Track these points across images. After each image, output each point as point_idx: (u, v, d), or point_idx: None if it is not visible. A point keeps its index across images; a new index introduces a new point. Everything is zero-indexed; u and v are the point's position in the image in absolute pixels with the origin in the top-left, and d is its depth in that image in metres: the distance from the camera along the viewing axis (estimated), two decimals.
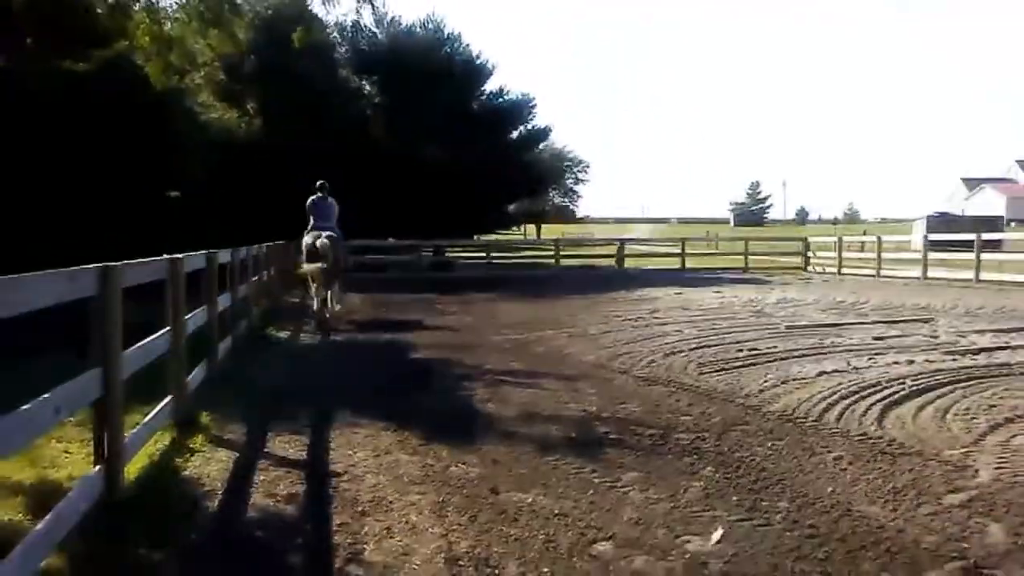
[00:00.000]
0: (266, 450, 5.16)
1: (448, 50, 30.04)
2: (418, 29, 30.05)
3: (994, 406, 5.98)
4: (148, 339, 5.01)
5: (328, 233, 11.90)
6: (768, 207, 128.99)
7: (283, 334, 11.43)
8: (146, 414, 4.90)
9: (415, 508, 4.01)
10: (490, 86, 31.41)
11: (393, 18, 29.49)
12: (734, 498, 4.10)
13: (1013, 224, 64.40)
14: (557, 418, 5.99)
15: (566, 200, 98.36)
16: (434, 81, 26.88)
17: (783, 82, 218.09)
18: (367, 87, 29.53)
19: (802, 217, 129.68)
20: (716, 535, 3.59)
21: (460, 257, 30.38)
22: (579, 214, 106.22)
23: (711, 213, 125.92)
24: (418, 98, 26.43)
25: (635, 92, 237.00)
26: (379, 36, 29.34)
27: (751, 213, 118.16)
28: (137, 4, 12.63)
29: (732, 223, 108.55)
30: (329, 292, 12.05)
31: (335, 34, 27.54)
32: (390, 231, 23.73)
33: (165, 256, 5.77)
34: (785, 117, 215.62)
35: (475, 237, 32.09)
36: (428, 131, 25.15)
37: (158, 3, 12.77)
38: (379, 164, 24.57)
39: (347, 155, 23.35)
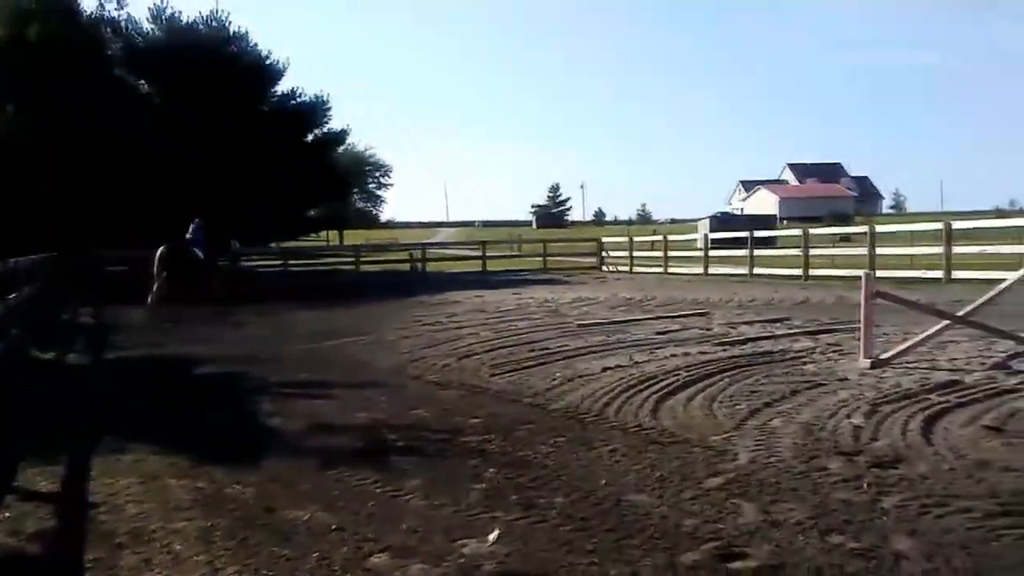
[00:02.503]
0: (14, 484, 4.68)
1: (235, 49, 28.83)
2: (201, 27, 28.62)
3: (755, 392, 6.45)
4: None
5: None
6: (568, 209, 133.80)
7: (49, 355, 10.50)
8: None
9: (180, 536, 3.77)
10: (283, 87, 30.50)
11: (172, 14, 28.00)
12: (514, 497, 4.17)
13: (785, 222, 70.38)
14: (344, 428, 5.87)
15: (369, 204, 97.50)
16: (220, 82, 25.68)
17: (581, 86, 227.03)
18: (145, 87, 27.79)
19: (599, 218, 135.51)
20: (492, 536, 3.63)
21: (257, 266, 29.26)
22: (383, 218, 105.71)
23: (514, 215, 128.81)
24: (203, 100, 25.13)
25: (439, 93, 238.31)
26: (156, 33, 27.70)
27: (552, 215, 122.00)
28: None
29: (534, 225, 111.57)
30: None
31: (107, 30, 25.75)
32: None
33: None
34: (583, 120, 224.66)
35: (273, 244, 31.06)
36: (216, 135, 23.99)
37: None
38: (163, 170, 23.18)
39: (125, 160, 21.89)
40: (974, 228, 24.23)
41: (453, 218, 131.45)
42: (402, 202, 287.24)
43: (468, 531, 3.73)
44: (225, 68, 26.70)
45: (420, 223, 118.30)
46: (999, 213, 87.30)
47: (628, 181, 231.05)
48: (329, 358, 9.43)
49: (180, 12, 28.42)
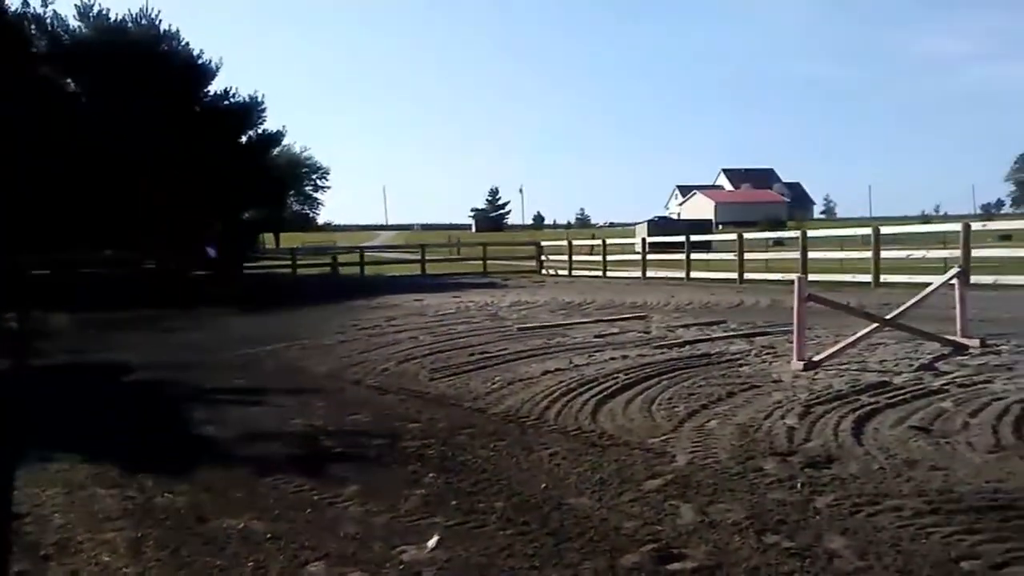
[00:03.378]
0: None
1: (165, 48, 28.16)
2: (130, 25, 27.88)
3: (693, 394, 6.52)
4: None
5: None
6: (507, 213, 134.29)
7: None
8: None
9: (108, 547, 3.65)
10: (216, 86, 29.89)
11: (100, 12, 27.22)
12: (453, 502, 4.13)
13: (721, 227, 71.75)
14: (281, 435, 5.76)
15: (306, 207, 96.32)
16: (150, 81, 25.02)
17: (520, 91, 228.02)
18: (72, 86, 26.95)
19: (539, 222, 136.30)
20: (431, 542, 3.59)
21: (186, 270, 28.58)
22: (320, 221, 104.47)
23: (454, 219, 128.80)
24: (132, 99, 24.48)
25: (378, 96, 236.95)
26: (83, 31, 26.90)
27: (491, 219, 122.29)
28: None
29: (474, 228, 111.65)
30: None
31: (32, 27, 24.92)
32: (107, 243, 21.88)
33: None
34: (523, 124, 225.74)
35: (207, 247, 30.38)
36: (145, 135, 23.39)
37: None
38: (90, 172, 22.50)
39: (50, 161, 21.19)
40: (901, 233, 25.03)
41: (392, 221, 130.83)
42: (340, 205, 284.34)
43: (407, 537, 3.69)
44: (155, 67, 26.03)
45: (359, 226, 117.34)
46: (925, 218, 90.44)
47: (567, 185, 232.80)
48: (265, 364, 9.26)
49: (108, 10, 27.70)
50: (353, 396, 7.16)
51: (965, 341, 8.26)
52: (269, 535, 3.76)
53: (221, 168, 25.81)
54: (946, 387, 6.34)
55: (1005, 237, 36.33)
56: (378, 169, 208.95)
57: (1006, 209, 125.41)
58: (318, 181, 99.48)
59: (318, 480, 4.58)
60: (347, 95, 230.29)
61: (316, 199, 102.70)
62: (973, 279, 11.75)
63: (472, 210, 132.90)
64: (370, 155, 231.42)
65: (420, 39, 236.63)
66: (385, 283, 24.03)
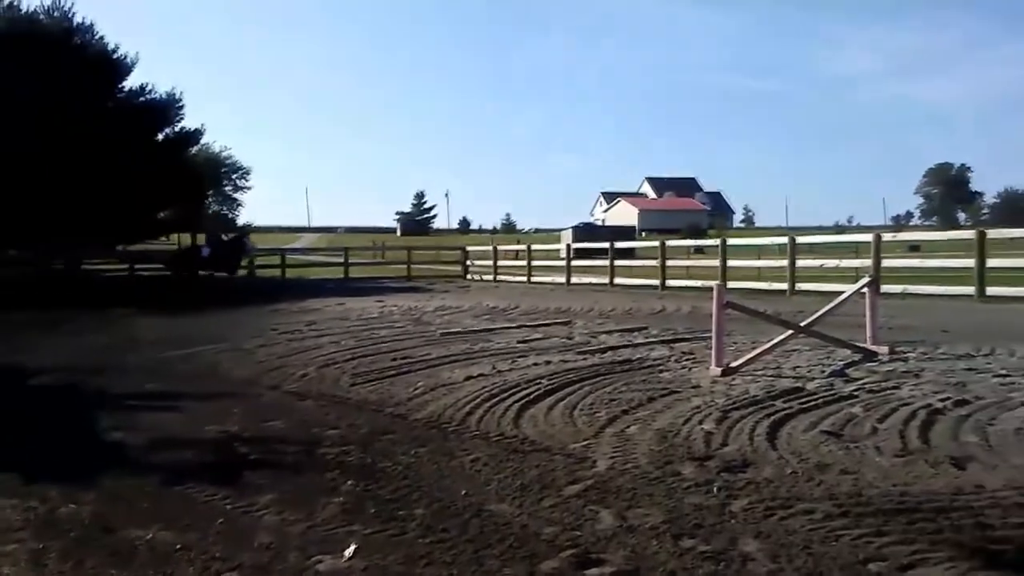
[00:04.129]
0: None
1: (79, 41, 27.16)
2: (42, 16, 26.80)
3: (614, 399, 6.57)
4: None
5: None
6: (433, 217, 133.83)
7: None
8: None
9: (9, 559, 3.48)
10: (132, 82, 28.97)
11: (10, 2, 26.11)
12: (372, 510, 4.07)
13: (644, 234, 72.85)
14: (193, 442, 5.59)
15: (225, 208, 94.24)
16: (62, 75, 24.09)
17: (445, 94, 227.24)
18: None
19: (465, 227, 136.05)
20: (349, 551, 3.52)
21: (99, 270, 27.63)
22: (240, 222, 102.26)
23: (379, 222, 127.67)
24: (44, 94, 23.52)
25: (302, 97, 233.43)
26: None
27: (416, 222, 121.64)
28: None
29: (399, 232, 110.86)
30: None
31: None
32: (9, 242, 20.97)
33: None
34: (449, 128, 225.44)
35: (119, 247, 29.39)
36: (57, 131, 22.49)
37: None
38: None
39: None
40: (816, 243, 25.83)
41: (316, 223, 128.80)
42: (262, 206, 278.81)
43: (324, 546, 3.61)
44: (67, 61, 25.07)
45: (281, 228, 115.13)
46: (839, 229, 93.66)
47: (494, 190, 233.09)
48: (179, 368, 9.00)
49: (19, 1, 26.62)
50: (271, 402, 7.01)
51: (875, 348, 8.55)
52: (179, 546, 3.64)
53: (135, 166, 24.98)
54: (856, 393, 6.54)
55: (914, 248, 37.76)
56: (301, 170, 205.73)
57: (915, 221, 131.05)
58: (238, 181, 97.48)
59: (232, 488, 4.45)
60: (270, 95, 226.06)
61: (236, 200, 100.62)
62: (883, 288, 12.22)
63: (397, 214, 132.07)
64: (293, 156, 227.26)
65: (345, 40, 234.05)
66: (307, 286, 23.64)
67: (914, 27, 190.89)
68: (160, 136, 29.82)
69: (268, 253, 33.91)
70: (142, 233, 30.92)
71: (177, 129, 30.36)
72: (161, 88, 29.74)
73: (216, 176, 78.26)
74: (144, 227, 30.22)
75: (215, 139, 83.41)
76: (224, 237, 21.74)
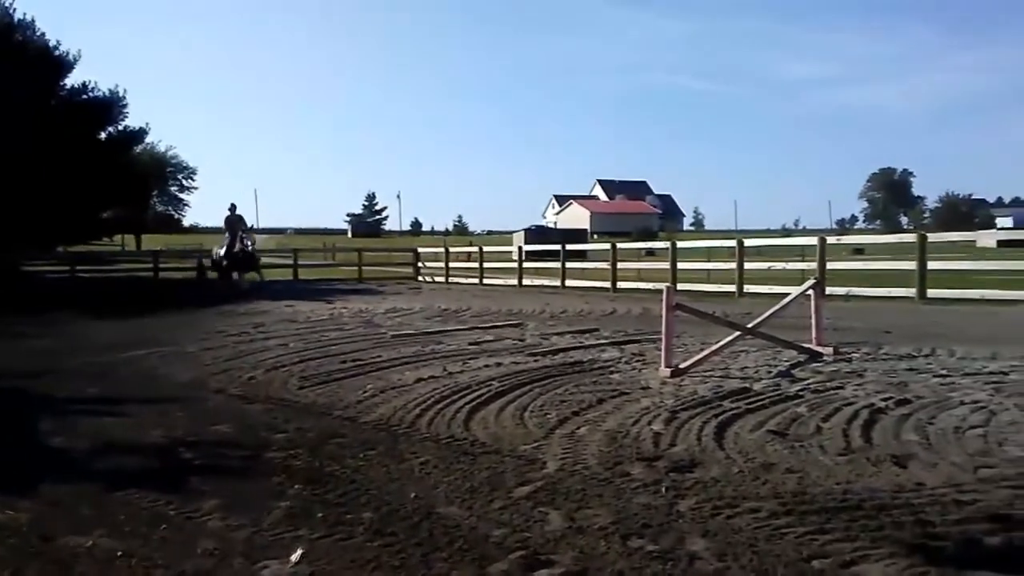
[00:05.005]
0: None
1: (20, 38, 26.43)
2: None
3: (564, 401, 6.58)
4: None
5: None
6: (384, 218, 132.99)
7: None
8: None
9: None
10: (74, 80, 28.31)
11: None
12: (319, 514, 4.01)
13: (596, 236, 73.32)
14: (136, 447, 5.46)
15: (171, 208, 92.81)
16: (1, 72, 23.42)
17: (397, 93, 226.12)
18: None
19: (416, 228, 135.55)
20: (295, 556, 3.47)
21: (39, 272, 26.89)
22: (186, 223, 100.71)
23: (329, 223, 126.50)
24: None
25: (249, 96, 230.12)
26: None
27: (368, 224, 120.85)
28: None
29: (350, 234, 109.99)
30: None
31: None
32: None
33: None
34: (400, 129, 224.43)
35: (60, 248, 28.64)
36: None
37: None
38: None
39: None
40: (764, 246, 26.25)
41: (264, 224, 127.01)
42: (209, 207, 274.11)
43: (269, 552, 3.55)
44: (7, 57, 24.37)
45: None
46: (786, 232, 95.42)
47: (446, 192, 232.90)
48: (122, 371, 8.79)
49: None
50: (216, 406, 6.88)
51: (820, 349, 8.71)
52: (120, 553, 3.55)
53: (77, 165, 24.37)
54: (801, 393, 6.65)
55: (858, 251, 38.69)
56: (250, 171, 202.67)
57: (860, 224, 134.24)
58: (184, 181, 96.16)
59: (175, 494, 4.35)
60: (218, 94, 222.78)
61: (182, 200, 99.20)
62: (828, 290, 12.45)
63: (348, 215, 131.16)
64: (241, 156, 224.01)
65: (297, 39, 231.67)
66: (254, 288, 23.25)
67: (863, 34, 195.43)
68: (103, 135, 29.20)
69: (183, 255, 33.29)
70: (84, 234, 30.20)
71: (120, 128, 29.80)
72: (104, 86, 29.14)
73: (161, 176, 77.03)
74: (86, 228, 29.52)
75: (160, 138, 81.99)
76: (243, 236, 21.46)
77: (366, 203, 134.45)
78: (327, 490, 4.42)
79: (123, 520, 3.99)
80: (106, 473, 4.85)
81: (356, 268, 31.17)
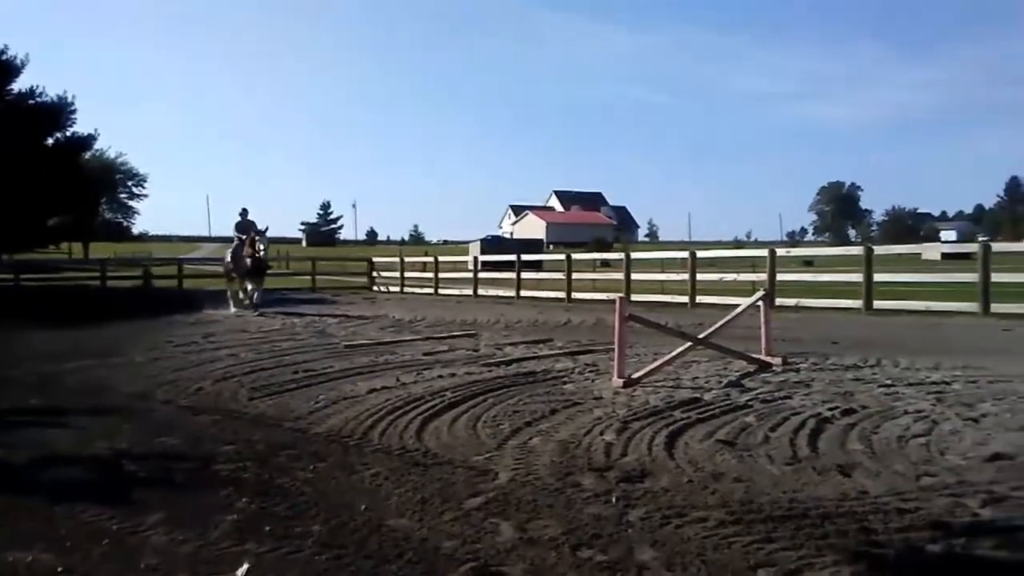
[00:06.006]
0: None
1: None
2: None
3: (518, 411, 6.59)
4: None
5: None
6: (339, 228, 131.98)
7: None
8: None
9: None
10: (20, 85, 27.69)
11: None
12: (267, 528, 3.96)
13: (551, 247, 73.57)
14: (80, 460, 5.34)
15: (120, 216, 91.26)
16: None
17: (352, 103, 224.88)
18: None
19: (372, 238, 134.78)
20: (241, 570, 3.42)
21: None
22: (136, 231, 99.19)
23: (283, 232, 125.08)
24: None
25: (203, 104, 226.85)
26: None
27: (322, 233, 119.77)
28: None
29: (304, 243, 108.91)
30: None
31: None
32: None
33: None
34: (356, 137, 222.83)
35: (3, 257, 27.93)
36: None
37: None
38: None
39: None
40: (716, 257, 26.58)
41: (217, 233, 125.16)
42: (160, 215, 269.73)
43: (215, 566, 3.50)
44: None
45: (180, 237, 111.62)
46: (738, 244, 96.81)
47: (402, 202, 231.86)
48: (67, 382, 8.58)
49: None
50: (164, 417, 6.76)
51: (769, 359, 8.84)
52: (60, 568, 3.47)
53: (23, 171, 23.81)
54: (750, 403, 6.74)
55: (808, 263, 39.31)
56: (202, 178, 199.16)
57: (809, 237, 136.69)
58: (134, 188, 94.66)
59: (119, 508, 4.26)
60: (170, 101, 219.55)
61: (132, 207, 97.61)
62: (778, 301, 12.66)
63: (303, 224, 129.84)
64: (194, 163, 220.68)
65: (249, 47, 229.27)
66: (206, 297, 22.83)
67: (815, 50, 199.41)
68: (50, 140, 28.57)
69: (165, 263, 32.77)
70: (29, 241, 29.46)
71: (69, 134, 29.16)
72: (52, 91, 28.55)
73: (110, 183, 75.65)
74: (31, 235, 28.82)
75: (110, 144, 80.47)
76: (258, 239, 18.23)
77: (321, 212, 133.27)
78: (275, 503, 4.36)
79: (64, 535, 3.90)
80: (48, 486, 4.74)
81: (310, 277, 30.82)
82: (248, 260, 17.96)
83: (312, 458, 5.29)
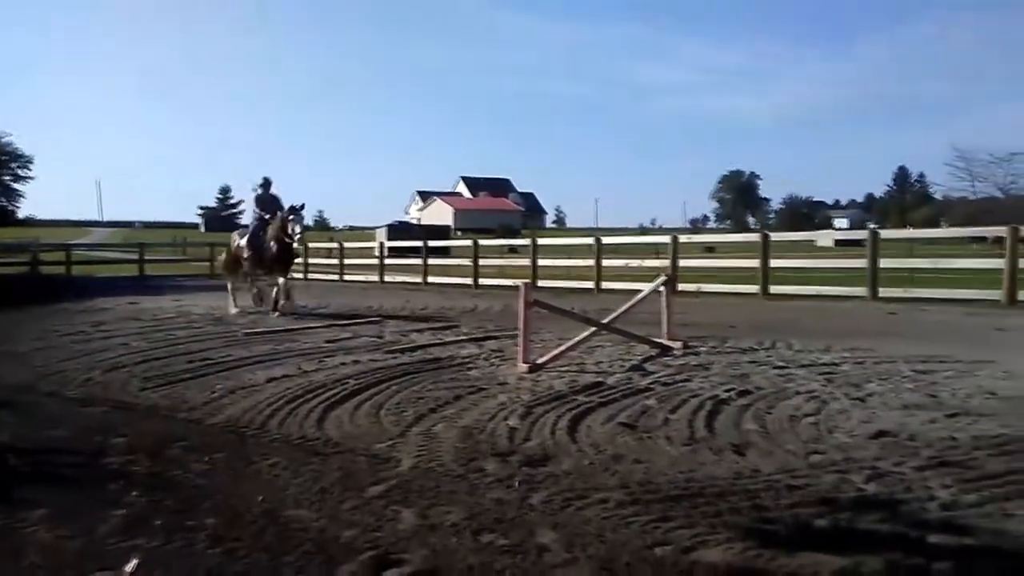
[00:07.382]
0: None
1: None
2: None
3: (422, 398, 6.55)
4: None
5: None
6: (240, 212, 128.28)
7: None
8: None
9: None
10: None
11: None
12: (158, 522, 3.81)
13: (459, 233, 73.40)
14: None
15: (3, 199, 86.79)
16: None
17: (250, 87, 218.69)
18: None
19: None
20: (129, 566, 3.29)
21: None
22: (21, 215, 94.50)
23: (182, 217, 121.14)
24: None
25: (92, 82, 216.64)
26: None
27: (223, 218, 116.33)
28: None
29: (203, 228, 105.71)
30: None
31: None
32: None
33: None
34: (256, 120, 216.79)
35: None
36: None
37: None
38: None
39: None
40: (621, 244, 27.00)
41: (110, 218, 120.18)
42: (47, 198, 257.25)
43: (102, 562, 3.35)
44: None
45: (69, 222, 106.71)
46: (643, 230, 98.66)
47: (305, 186, 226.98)
48: None
49: None
50: (49, 410, 6.43)
51: (670, 343, 9.04)
52: None
53: None
54: (652, 386, 6.88)
55: (709, 249, 40.39)
56: (92, 160, 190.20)
57: (711, 224, 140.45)
58: (19, 171, 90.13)
59: (0, 505, 4.04)
60: (58, 81, 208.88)
61: (16, 190, 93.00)
62: (680, 286, 12.94)
63: (201, 208, 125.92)
64: (84, 146, 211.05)
65: (145, 25, 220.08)
66: (96, 285, 21.93)
67: (719, 43, 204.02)
68: None
69: (51, 248, 31.28)
70: None
71: None
72: None
73: None
74: None
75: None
76: (291, 219, 13.51)
77: (220, 196, 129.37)
78: (167, 496, 4.21)
79: None
80: None
81: (208, 264, 29.93)
82: (274, 246, 13.73)
83: (207, 450, 5.13)
